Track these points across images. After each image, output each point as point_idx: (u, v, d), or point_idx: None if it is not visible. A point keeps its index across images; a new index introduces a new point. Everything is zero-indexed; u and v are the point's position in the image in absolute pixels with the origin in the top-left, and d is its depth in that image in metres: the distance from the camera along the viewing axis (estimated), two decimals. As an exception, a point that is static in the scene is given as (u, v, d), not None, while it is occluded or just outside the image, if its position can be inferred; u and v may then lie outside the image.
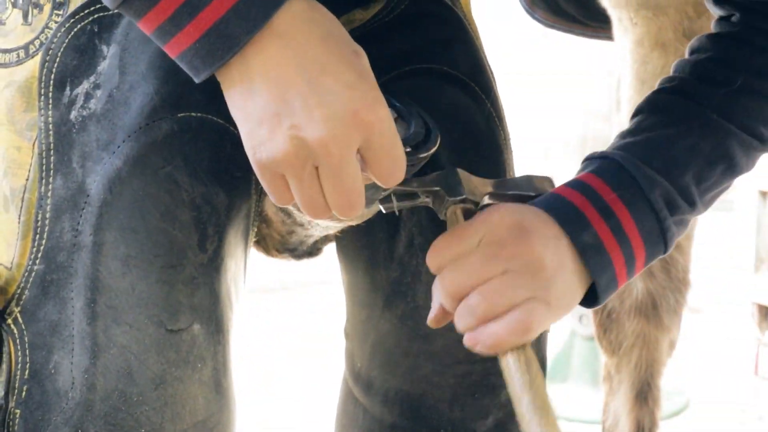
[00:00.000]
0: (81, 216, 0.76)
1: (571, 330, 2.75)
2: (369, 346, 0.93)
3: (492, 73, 0.97)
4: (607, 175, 0.77)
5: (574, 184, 0.77)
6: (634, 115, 0.86)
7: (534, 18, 1.40)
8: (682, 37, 1.24)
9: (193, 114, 0.79)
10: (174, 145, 0.77)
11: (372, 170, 0.69)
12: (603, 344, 1.41)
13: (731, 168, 0.83)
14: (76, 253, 0.76)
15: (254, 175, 0.86)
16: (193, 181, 0.78)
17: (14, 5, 0.80)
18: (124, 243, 0.76)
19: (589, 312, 1.45)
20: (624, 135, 0.83)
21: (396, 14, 0.92)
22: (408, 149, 0.78)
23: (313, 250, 0.98)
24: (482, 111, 0.91)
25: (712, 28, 0.90)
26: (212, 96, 0.79)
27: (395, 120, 0.81)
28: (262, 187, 0.80)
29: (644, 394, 1.39)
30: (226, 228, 0.81)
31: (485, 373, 0.89)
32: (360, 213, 0.71)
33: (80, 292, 0.76)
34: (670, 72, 1.24)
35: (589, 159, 0.81)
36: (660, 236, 0.78)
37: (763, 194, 3.16)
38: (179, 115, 0.77)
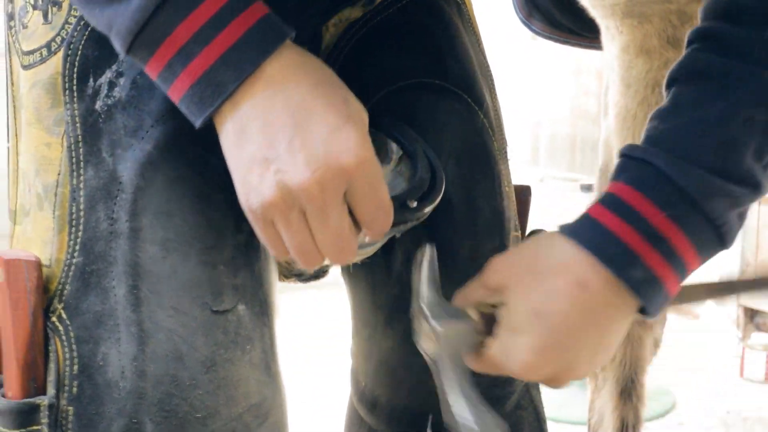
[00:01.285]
0: (115, 204, 0.75)
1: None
2: (373, 364, 0.93)
3: (489, 79, 0.96)
4: (650, 190, 0.68)
5: (611, 203, 0.69)
6: (669, 85, 0.75)
7: (531, 29, 1.43)
8: (666, 44, 1.27)
9: None
10: (202, 127, 0.75)
11: (357, 217, 0.69)
12: (588, 342, 1.44)
13: None
14: (113, 241, 0.75)
15: None
16: (223, 163, 0.76)
17: (35, 7, 0.80)
18: (161, 227, 0.74)
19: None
20: (662, 115, 0.72)
21: (386, 16, 0.92)
22: (414, 203, 0.78)
23: (320, 273, 0.97)
24: (475, 122, 0.90)
25: None
26: None
27: (401, 158, 0.83)
28: None
29: (628, 392, 1.42)
30: None
31: (491, 385, 0.87)
32: (353, 258, 0.71)
33: (121, 279, 0.74)
34: (654, 76, 1.28)
35: (626, 157, 0.72)
36: (719, 242, 0.70)
37: (749, 198, 3.19)
38: None
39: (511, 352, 0.72)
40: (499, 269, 0.75)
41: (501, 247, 0.88)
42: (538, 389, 0.94)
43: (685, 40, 0.76)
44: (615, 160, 1.34)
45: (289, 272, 0.94)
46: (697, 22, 1.26)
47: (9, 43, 0.84)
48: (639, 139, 1.28)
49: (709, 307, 3.42)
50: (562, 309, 0.70)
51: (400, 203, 0.77)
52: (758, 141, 0.69)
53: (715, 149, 0.68)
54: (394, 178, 0.82)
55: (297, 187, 0.65)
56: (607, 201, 0.69)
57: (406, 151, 0.83)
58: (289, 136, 0.65)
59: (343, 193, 0.67)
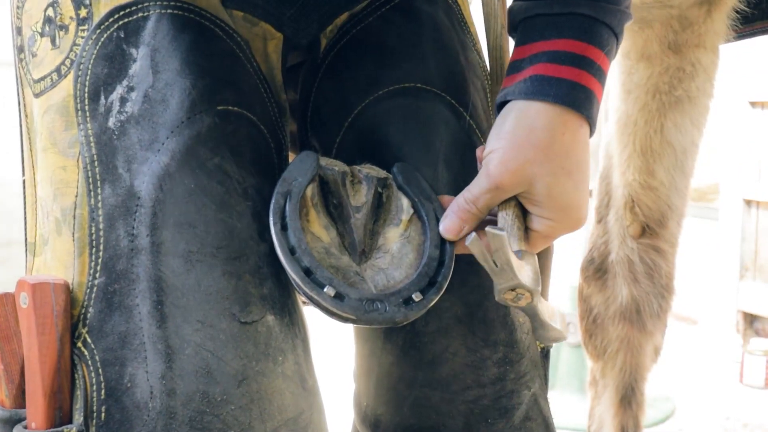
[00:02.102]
0: (135, 219, 0.74)
1: (576, 342, 2.77)
2: (373, 382, 0.90)
3: (483, 79, 0.96)
4: (594, 38, 0.77)
5: (569, 59, 0.77)
6: None
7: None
8: (666, 49, 1.27)
9: (231, 108, 0.78)
10: (218, 137, 0.75)
11: None
12: (588, 349, 1.44)
13: None
14: (135, 257, 0.73)
15: (279, 170, 0.85)
16: (243, 172, 0.76)
17: (42, 35, 0.79)
18: (183, 239, 0.73)
19: (575, 320, 1.48)
20: None
21: (366, 24, 0.92)
22: (420, 297, 0.77)
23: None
24: (462, 124, 0.89)
25: None
26: (243, 93, 0.80)
27: (411, 219, 0.82)
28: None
29: (628, 399, 1.42)
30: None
31: (497, 396, 0.85)
32: None
33: (145, 296, 0.72)
34: (655, 82, 1.28)
35: (543, 15, 0.80)
36: (616, 44, 0.81)
37: (748, 203, 3.20)
38: (218, 108, 0.76)
39: (556, 216, 0.78)
40: (506, 166, 0.77)
41: None
42: (546, 400, 0.92)
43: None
44: (614, 160, 1.35)
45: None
46: (699, 27, 1.26)
47: (20, 76, 0.84)
48: (640, 147, 1.30)
49: (707, 311, 3.42)
50: (580, 153, 0.78)
51: (403, 298, 0.77)
52: None
53: None
54: (402, 246, 0.81)
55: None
56: (559, 57, 0.78)
57: (417, 213, 0.82)
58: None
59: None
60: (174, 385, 0.71)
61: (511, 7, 0.82)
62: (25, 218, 0.84)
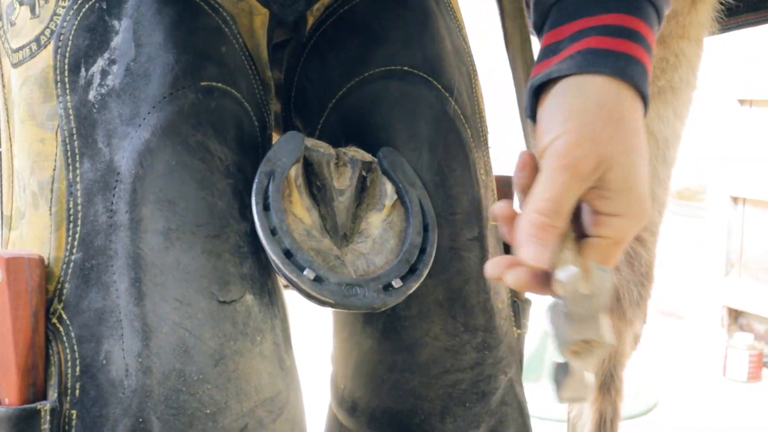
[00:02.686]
0: (114, 195, 0.72)
1: (543, 331, 2.79)
2: (352, 366, 0.89)
3: (468, 65, 0.95)
4: (641, 12, 0.71)
5: (630, 34, 0.71)
6: None
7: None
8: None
9: (215, 84, 0.77)
10: (201, 113, 0.74)
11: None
12: (569, 336, 1.45)
13: None
14: (113, 233, 0.72)
15: (262, 148, 0.84)
16: (225, 150, 0.75)
17: (20, 3, 0.78)
18: (163, 216, 0.71)
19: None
20: None
21: (351, 6, 0.90)
22: (399, 284, 0.76)
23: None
24: (446, 109, 0.88)
25: None
26: (228, 70, 0.79)
27: (394, 205, 0.81)
28: None
29: (607, 386, 1.43)
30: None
31: (475, 381, 0.86)
32: None
33: (123, 273, 0.71)
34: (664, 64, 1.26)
35: None
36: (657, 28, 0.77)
37: (734, 200, 3.22)
38: (202, 84, 0.75)
39: (630, 210, 0.68)
40: (587, 148, 0.69)
41: (480, 237, 0.87)
42: (521, 385, 0.93)
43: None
44: None
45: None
46: (683, 18, 1.27)
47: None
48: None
49: (693, 307, 3.44)
50: (643, 140, 0.70)
51: (383, 284, 0.76)
52: None
53: None
54: (384, 232, 0.80)
55: None
56: (621, 32, 0.71)
57: (401, 198, 0.81)
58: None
59: None
60: (150, 363, 0.70)
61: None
62: (1, 191, 0.83)
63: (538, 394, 2.59)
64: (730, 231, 3.23)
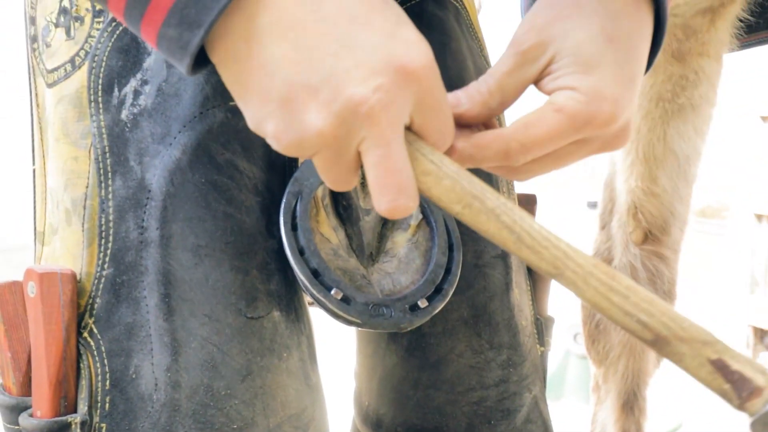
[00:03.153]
0: (145, 212, 0.74)
1: (565, 349, 2.78)
2: (376, 382, 0.90)
3: None
4: None
5: None
6: None
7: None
8: (671, 57, 1.28)
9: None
10: (230, 132, 0.76)
11: (426, 136, 0.59)
12: (591, 355, 1.45)
13: None
14: (144, 250, 0.74)
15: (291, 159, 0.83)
16: (253, 167, 0.76)
17: (56, 25, 0.80)
18: (193, 233, 0.73)
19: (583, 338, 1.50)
20: None
21: None
22: (425, 303, 0.77)
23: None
24: None
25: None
26: None
27: (419, 225, 0.81)
28: None
29: (630, 404, 1.42)
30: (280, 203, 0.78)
31: (500, 398, 0.86)
32: (413, 204, 0.59)
33: (153, 288, 0.73)
34: (658, 90, 1.29)
35: None
36: None
37: (758, 217, 3.19)
38: (230, 103, 0.76)
39: (599, 92, 0.60)
40: (535, 30, 0.63)
41: (503, 254, 0.88)
42: (545, 402, 0.93)
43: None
44: (617, 167, 1.35)
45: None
46: (702, 36, 1.27)
47: (32, 66, 0.85)
48: (642, 154, 1.31)
49: (717, 326, 3.41)
50: (631, 29, 0.62)
51: (409, 304, 0.77)
52: None
53: None
54: (410, 251, 0.81)
55: (358, 114, 0.54)
56: None
57: (426, 218, 0.81)
58: (335, 52, 0.54)
59: (408, 113, 0.57)
60: (179, 377, 0.72)
61: None
62: (35, 208, 0.85)
63: (559, 412, 2.57)
64: (754, 249, 3.20)
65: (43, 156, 0.84)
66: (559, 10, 0.63)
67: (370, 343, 0.91)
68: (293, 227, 0.76)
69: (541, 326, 0.94)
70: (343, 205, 0.81)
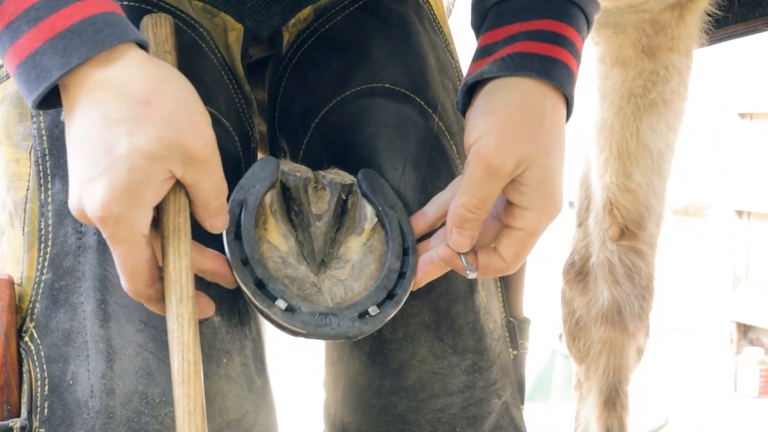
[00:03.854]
0: None
1: (551, 349, 2.78)
2: (341, 390, 0.88)
3: (454, 80, 0.94)
4: (572, 20, 0.76)
5: (554, 39, 0.75)
6: None
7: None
8: (641, 53, 1.29)
9: None
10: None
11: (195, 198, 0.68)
12: (572, 352, 1.45)
13: None
14: (82, 255, 0.74)
15: (245, 164, 0.83)
16: None
17: None
18: None
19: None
20: None
21: (333, 24, 0.91)
22: (376, 311, 0.75)
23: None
24: (430, 126, 0.87)
25: None
26: (204, 86, 0.80)
27: (374, 228, 0.79)
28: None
29: (612, 401, 1.42)
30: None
31: (465, 405, 0.84)
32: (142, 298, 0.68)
33: (90, 294, 0.73)
34: (629, 86, 1.30)
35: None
36: (587, 33, 0.80)
37: (739, 213, 3.21)
38: None
39: (543, 205, 0.73)
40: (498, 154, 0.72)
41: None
42: (519, 408, 0.90)
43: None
44: (592, 164, 1.36)
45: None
46: (671, 31, 1.28)
47: None
48: (616, 150, 1.32)
49: (701, 323, 3.42)
50: (562, 141, 0.74)
51: (359, 312, 0.75)
52: None
53: None
54: (364, 257, 0.79)
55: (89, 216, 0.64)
56: (550, 37, 0.75)
57: (381, 221, 0.80)
58: (93, 158, 0.63)
59: (126, 230, 0.64)
60: (113, 384, 0.72)
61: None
62: None
63: (546, 413, 2.57)
64: (735, 245, 3.22)
65: None
66: (521, 132, 0.72)
67: (335, 350, 0.89)
68: (236, 236, 0.74)
69: (514, 329, 0.92)
70: (294, 211, 0.79)
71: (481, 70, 0.75)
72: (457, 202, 0.73)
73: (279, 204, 0.78)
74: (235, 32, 0.88)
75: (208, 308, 0.72)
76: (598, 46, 1.33)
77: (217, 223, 0.70)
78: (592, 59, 1.35)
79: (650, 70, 1.28)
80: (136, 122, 0.62)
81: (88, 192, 0.63)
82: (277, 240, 0.76)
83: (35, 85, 0.63)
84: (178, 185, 0.66)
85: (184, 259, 0.66)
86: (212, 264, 0.72)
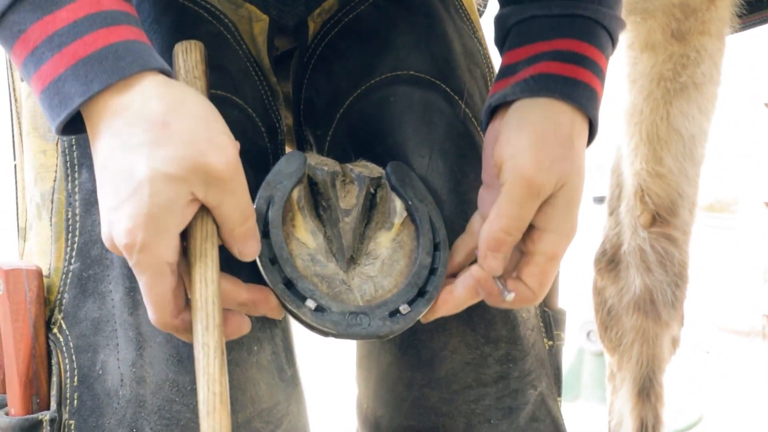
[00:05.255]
0: None
1: (579, 347, 2.75)
2: (372, 384, 0.87)
3: (481, 66, 0.93)
4: (594, 39, 0.76)
5: (578, 60, 0.75)
6: None
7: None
8: (670, 38, 1.27)
9: (214, 92, 0.75)
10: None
11: (221, 222, 0.67)
12: (605, 343, 1.43)
13: None
14: None
15: (273, 155, 0.83)
16: None
17: None
18: None
19: (596, 328, 1.48)
20: None
21: (358, 13, 0.90)
22: (407, 309, 0.73)
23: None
24: (457, 113, 0.86)
25: None
26: (230, 76, 0.80)
27: (403, 223, 0.77)
28: None
29: (646, 391, 1.40)
30: None
31: (499, 396, 0.81)
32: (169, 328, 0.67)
33: (118, 282, 0.72)
34: (659, 70, 1.28)
35: (540, 17, 0.77)
36: (611, 50, 0.79)
37: (768, 206, 3.18)
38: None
39: (564, 226, 0.72)
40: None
41: None
42: (555, 400, 0.88)
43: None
44: (623, 151, 1.34)
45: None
46: (702, 14, 1.26)
47: (9, 59, 0.84)
48: (646, 135, 1.30)
49: (733, 318, 3.39)
50: (581, 164, 0.73)
51: (390, 311, 0.73)
52: None
53: None
54: (393, 252, 0.77)
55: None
56: (572, 58, 0.74)
57: (411, 215, 0.78)
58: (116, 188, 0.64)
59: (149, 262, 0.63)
60: (144, 372, 0.71)
61: (499, 15, 0.80)
62: (17, 203, 0.85)
63: (575, 413, 2.54)
64: (765, 237, 3.18)
65: (23, 152, 0.83)
66: (555, 150, 0.72)
67: (366, 343, 0.88)
68: (264, 235, 0.73)
69: (549, 319, 0.90)
70: (322, 206, 0.77)
71: (504, 92, 0.74)
72: (495, 225, 0.71)
73: (306, 199, 0.76)
74: (260, 23, 0.88)
75: (244, 326, 0.70)
76: (626, 32, 1.31)
77: (246, 249, 0.68)
78: (621, 45, 1.33)
79: (680, 53, 1.26)
80: (155, 145, 0.61)
81: (114, 220, 0.62)
82: (306, 237, 0.75)
83: (57, 111, 0.62)
84: (205, 211, 0.65)
85: (210, 286, 0.65)
86: (250, 295, 0.70)
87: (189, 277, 0.66)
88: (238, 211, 0.65)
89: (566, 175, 0.70)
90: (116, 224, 0.62)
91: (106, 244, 0.65)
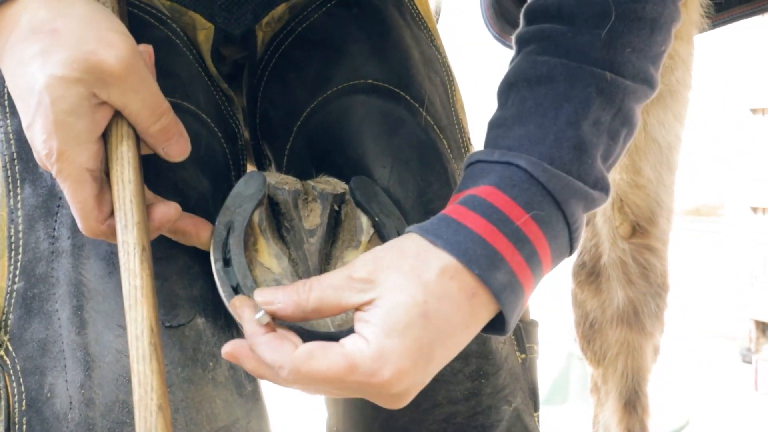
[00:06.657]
0: (56, 220, 0.71)
1: (567, 352, 2.74)
2: (342, 405, 0.85)
3: (441, 74, 0.91)
4: (514, 190, 0.63)
5: (478, 206, 0.63)
6: (505, 91, 0.70)
7: (506, 45, 1.41)
8: None
9: (167, 98, 0.72)
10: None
11: (132, 118, 0.66)
12: (588, 355, 1.41)
13: (631, 130, 0.70)
14: (55, 260, 0.71)
15: (233, 162, 0.82)
16: (174, 165, 0.72)
17: None
18: (106, 240, 0.68)
19: (578, 340, 1.46)
20: (508, 122, 0.68)
21: (310, 23, 0.88)
22: None
23: None
24: (418, 121, 0.84)
25: None
26: (180, 82, 0.78)
27: (371, 239, 0.74)
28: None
29: (633, 403, 1.38)
30: (215, 215, 0.74)
31: (471, 413, 0.79)
32: (94, 234, 0.66)
33: (65, 301, 0.70)
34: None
35: (481, 162, 0.67)
36: (569, 247, 0.67)
37: (754, 210, 3.18)
38: None
39: (386, 356, 0.60)
40: (374, 265, 0.63)
41: None
42: (531, 415, 0.85)
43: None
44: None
45: None
46: (685, 11, 1.24)
47: None
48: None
49: (719, 322, 3.39)
50: (450, 312, 0.61)
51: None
52: (605, 143, 0.67)
53: (571, 152, 0.65)
54: None
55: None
56: (472, 201, 0.64)
57: (378, 232, 0.76)
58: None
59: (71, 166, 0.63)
60: (93, 394, 0.69)
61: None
62: None
63: (565, 416, 2.53)
64: (751, 241, 3.18)
65: None
66: (401, 261, 0.62)
67: None
68: (226, 263, 0.70)
69: (521, 332, 0.87)
70: (285, 227, 0.74)
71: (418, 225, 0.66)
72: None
73: (268, 222, 0.74)
74: (204, 31, 0.86)
75: (170, 212, 0.68)
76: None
77: (171, 149, 0.68)
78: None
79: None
80: (47, 53, 0.61)
81: (32, 137, 0.63)
82: (270, 261, 0.72)
83: None
84: (120, 115, 0.65)
85: (128, 186, 0.65)
86: (162, 216, 0.68)
87: (109, 180, 0.66)
88: (145, 108, 0.64)
89: (408, 391, 0.62)
90: (34, 140, 0.63)
91: (39, 164, 0.65)
